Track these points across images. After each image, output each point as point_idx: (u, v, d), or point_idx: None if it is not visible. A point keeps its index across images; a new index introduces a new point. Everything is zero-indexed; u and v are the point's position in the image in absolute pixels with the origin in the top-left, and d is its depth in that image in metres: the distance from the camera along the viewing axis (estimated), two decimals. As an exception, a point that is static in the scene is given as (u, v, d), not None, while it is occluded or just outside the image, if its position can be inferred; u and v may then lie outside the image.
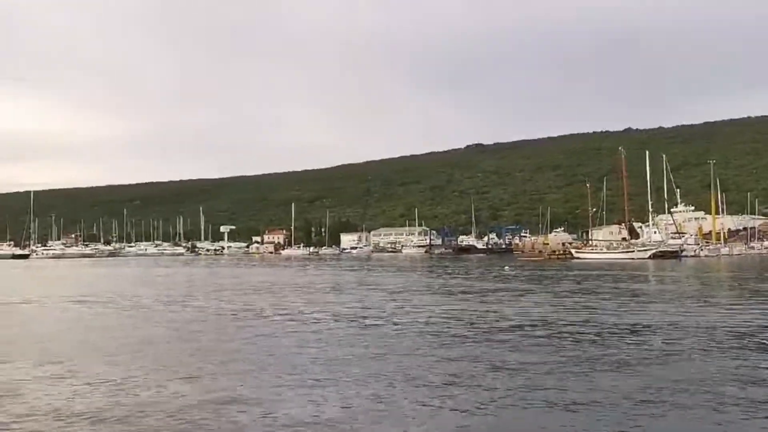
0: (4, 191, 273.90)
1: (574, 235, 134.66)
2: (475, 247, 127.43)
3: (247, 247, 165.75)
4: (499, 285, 31.76)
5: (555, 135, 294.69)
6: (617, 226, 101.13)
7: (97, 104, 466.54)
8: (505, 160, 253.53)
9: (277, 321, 17.43)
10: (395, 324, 16.37)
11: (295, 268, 63.14)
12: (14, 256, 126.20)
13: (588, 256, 75.68)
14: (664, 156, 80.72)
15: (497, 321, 16.80)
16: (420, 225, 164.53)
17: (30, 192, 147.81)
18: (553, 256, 79.30)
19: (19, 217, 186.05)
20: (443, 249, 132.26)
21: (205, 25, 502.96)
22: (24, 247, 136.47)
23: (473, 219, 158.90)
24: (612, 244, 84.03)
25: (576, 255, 77.97)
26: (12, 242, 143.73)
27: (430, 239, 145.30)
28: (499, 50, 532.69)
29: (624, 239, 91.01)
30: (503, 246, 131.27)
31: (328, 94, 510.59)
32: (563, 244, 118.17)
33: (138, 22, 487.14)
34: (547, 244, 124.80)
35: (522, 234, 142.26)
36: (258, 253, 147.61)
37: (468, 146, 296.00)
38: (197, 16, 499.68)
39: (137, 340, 14.01)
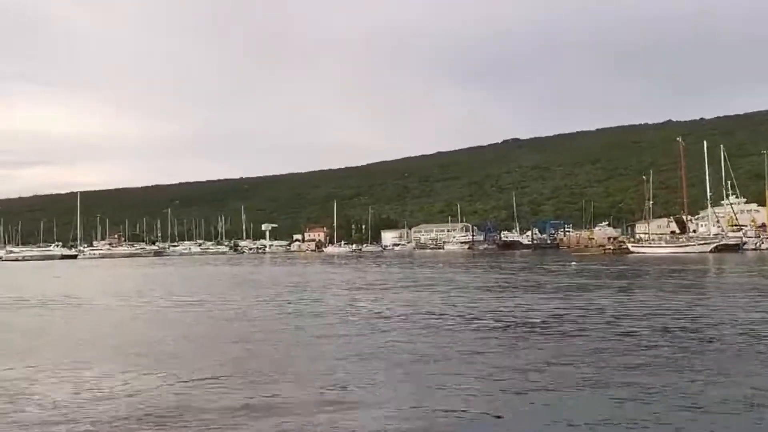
0: (46, 193, 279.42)
1: (619, 229, 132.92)
2: (520, 243, 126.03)
3: (288, 245, 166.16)
4: (588, 281, 30.82)
5: (593, 128, 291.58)
6: (666, 219, 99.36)
7: (135, 107, 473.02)
8: (544, 155, 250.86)
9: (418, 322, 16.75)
10: (544, 324, 15.69)
11: (350, 265, 62.71)
12: (63, 257, 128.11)
13: (646, 250, 73.99)
14: (722, 146, 78.60)
15: (642, 318, 16.03)
16: (461, 221, 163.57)
17: (77, 193, 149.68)
18: (609, 251, 77.67)
19: (63, 217, 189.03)
20: (486, 245, 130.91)
21: (242, 27, 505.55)
22: (71, 248, 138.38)
23: (515, 214, 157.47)
24: (665, 237, 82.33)
25: (633, 249, 76.25)
26: (60, 243, 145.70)
27: (473, 235, 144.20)
28: (534, 44, 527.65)
29: (673, 233, 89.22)
30: (548, 241, 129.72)
31: (363, 91, 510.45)
32: (609, 238, 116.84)
33: (174, 24, 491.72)
34: (593, 238, 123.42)
35: (565, 229, 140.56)
36: (303, 251, 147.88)
37: (505, 141, 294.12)
38: (234, 18, 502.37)
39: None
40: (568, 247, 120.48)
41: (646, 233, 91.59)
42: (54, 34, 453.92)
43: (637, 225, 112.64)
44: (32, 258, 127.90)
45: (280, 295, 26.24)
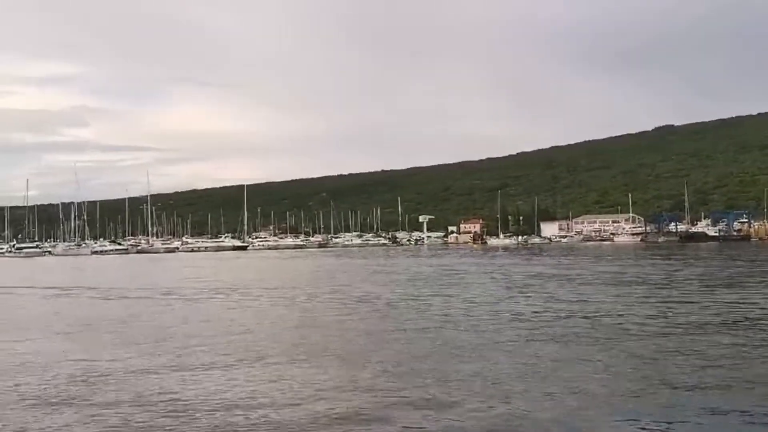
0: (202, 187, 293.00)
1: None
2: (706, 235, 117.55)
3: (444, 236, 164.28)
4: None
5: (755, 113, 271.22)
6: None
7: (281, 104, 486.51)
8: (702, 142, 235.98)
9: None
10: None
11: (547, 257, 59.67)
12: (234, 248, 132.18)
13: None
14: None
15: None
16: (630, 212, 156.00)
17: (243, 186, 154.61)
18: None
19: (216, 210, 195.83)
20: (664, 237, 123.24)
21: (381, 21, 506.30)
22: (241, 239, 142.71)
23: (686, 204, 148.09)
24: None
25: None
26: (229, 234, 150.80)
27: (646, 226, 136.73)
28: (683, 27, 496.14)
29: None
30: (734, 233, 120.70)
31: (506, 80, 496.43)
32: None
33: (315, 23, 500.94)
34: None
35: (750, 219, 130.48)
36: (460, 243, 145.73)
37: (657, 128, 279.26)
38: (373, 13, 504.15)
39: None
40: (760, 239, 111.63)
41: None
42: (208, 38, 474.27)
43: None
44: (206, 249, 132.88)
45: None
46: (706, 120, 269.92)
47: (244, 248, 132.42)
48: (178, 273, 47.45)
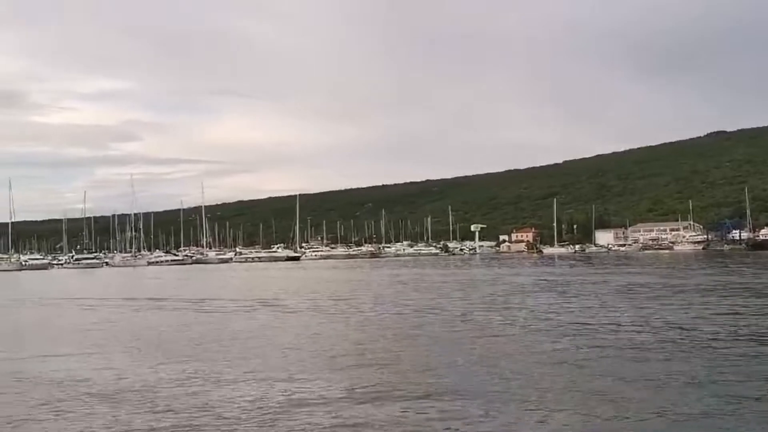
0: (248, 198, 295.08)
1: None
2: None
3: (497, 245, 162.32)
4: None
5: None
6: None
7: (328, 115, 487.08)
8: (758, 147, 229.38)
9: None
10: None
11: (619, 266, 57.80)
12: (287, 258, 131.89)
13: None
14: None
15: None
16: (682, 219, 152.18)
17: (293, 196, 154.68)
18: None
19: (272, 220, 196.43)
20: (728, 245, 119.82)
21: (426, 31, 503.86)
22: (294, 249, 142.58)
23: (748, 212, 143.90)
24: None
25: None
26: (282, 244, 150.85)
27: (707, 234, 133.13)
28: (734, 26, 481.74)
29: None
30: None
31: (550, 87, 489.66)
32: None
33: (360, 33, 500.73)
34: None
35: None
36: (513, 252, 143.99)
37: (709, 134, 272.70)
38: (417, 23, 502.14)
39: None
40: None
41: None
42: (255, 51, 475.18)
43: None
44: (260, 259, 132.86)
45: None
46: (760, 125, 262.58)
47: (297, 258, 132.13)
48: (263, 283, 46.80)
